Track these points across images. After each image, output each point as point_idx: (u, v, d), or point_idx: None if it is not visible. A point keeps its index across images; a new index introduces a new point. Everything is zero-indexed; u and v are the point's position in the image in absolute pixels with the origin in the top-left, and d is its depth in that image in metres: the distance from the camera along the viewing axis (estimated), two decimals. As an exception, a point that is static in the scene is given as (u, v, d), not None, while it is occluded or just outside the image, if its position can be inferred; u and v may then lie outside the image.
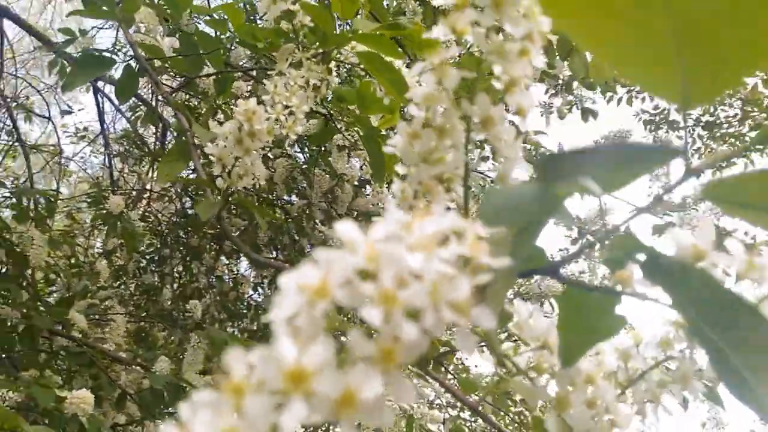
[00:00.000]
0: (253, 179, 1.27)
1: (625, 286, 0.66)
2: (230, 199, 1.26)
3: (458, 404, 2.91)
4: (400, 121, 0.80)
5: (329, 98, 1.71)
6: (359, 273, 0.46)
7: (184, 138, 1.46)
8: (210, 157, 1.18)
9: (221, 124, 1.25)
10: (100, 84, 2.83)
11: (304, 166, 2.62)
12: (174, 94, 1.51)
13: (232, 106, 1.61)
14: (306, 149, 2.74)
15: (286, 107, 1.17)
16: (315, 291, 0.44)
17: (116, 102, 2.95)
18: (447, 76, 0.70)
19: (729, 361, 0.52)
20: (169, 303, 2.88)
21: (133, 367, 2.15)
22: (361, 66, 1.29)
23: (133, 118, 2.85)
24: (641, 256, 0.59)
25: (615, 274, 0.66)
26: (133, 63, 1.64)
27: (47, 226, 2.44)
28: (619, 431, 0.71)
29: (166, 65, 1.82)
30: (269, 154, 2.57)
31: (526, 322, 0.75)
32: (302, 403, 0.39)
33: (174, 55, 1.73)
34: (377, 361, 0.42)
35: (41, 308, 2.19)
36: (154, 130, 2.94)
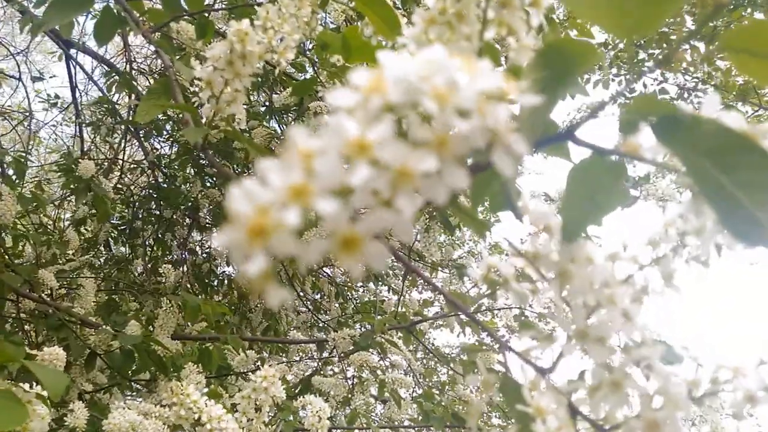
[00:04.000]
0: (237, 116, 1.28)
1: (635, 154, 0.70)
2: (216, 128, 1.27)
3: (427, 382, 2.94)
4: (416, 11, 0.82)
5: (312, 47, 1.73)
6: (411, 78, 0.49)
7: (166, 74, 1.46)
8: (198, 81, 1.19)
9: (204, 59, 1.25)
10: (72, 52, 2.80)
11: (282, 137, 2.62)
12: (155, 33, 1.50)
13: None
14: (283, 121, 2.75)
15: (277, 34, 1.18)
16: (370, 88, 0.47)
17: (88, 71, 2.93)
18: (467, -41, 0.73)
19: (739, 205, 0.56)
20: (140, 276, 2.84)
21: (103, 327, 2.11)
22: (351, 5, 1.31)
23: (106, 85, 2.81)
24: (654, 118, 0.63)
25: (625, 142, 0.70)
26: (112, 5, 1.63)
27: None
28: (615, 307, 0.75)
29: (144, 18, 1.81)
30: (246, 126, 2.56)
31: (529, 204, 0.79)
32: (367, 167, 0.41)
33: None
34: (432, 146, 0.45)
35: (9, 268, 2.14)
36: (127, 100, 2.90)
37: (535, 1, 0.75)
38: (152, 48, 2.26)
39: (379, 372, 2.44)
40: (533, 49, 0.78)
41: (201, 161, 2.72)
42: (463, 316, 2.35)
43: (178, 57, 2.14)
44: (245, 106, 2.66)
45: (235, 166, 2.73)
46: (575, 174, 0.72)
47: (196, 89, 1.28)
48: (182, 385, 1.39)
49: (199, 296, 2.66)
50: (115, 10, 1.66)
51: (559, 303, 0.74)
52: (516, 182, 0.64)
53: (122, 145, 2.95)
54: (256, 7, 1.24)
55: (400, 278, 3.41)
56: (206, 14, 1.81)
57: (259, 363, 2.56)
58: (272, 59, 1.24)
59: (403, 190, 0.43)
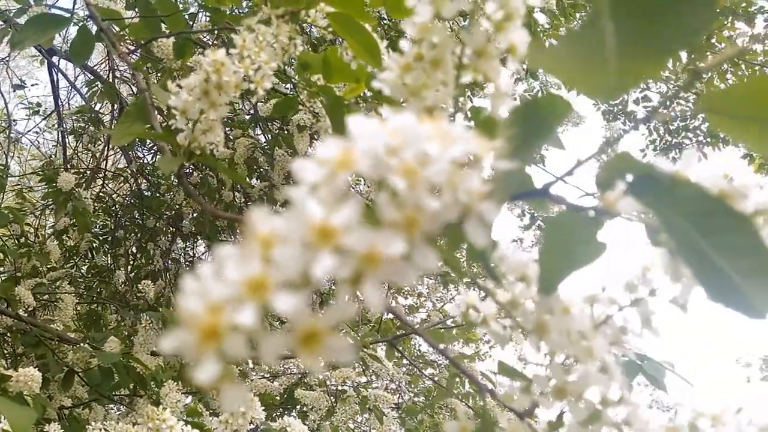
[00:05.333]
0: (214, 140, 1.26)
1: (611, 210, 0.69)
2: (192, 156, 1.25)
3: (413, 389, 2.93)
4: (390, 56, 0.81)
5: (293, 66, 1.71)
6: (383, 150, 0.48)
7: (141, 98, 1.44)
8: (173, 110, 1.17)
9: (180, 87, 1.23)
10: (54, 59, 2.76)
11: (266, 147, 2.60)
12: (130, 55, 1.48)
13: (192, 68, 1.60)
14: (268, 129, 2.72)
15: (254, 63, 1.17)
16: (338, 163, 0.46)
17: (71, 78, 2.88)
18: (444, 5, 0.72)
19: (718, 269, 0.55)
20: (122, 285, 2.80)
21: (82, 345, 2.08)
22: (330, 30, 1.29)
23: (88, 93, 2.78)
24: (631, 177, 0.62)
25: (603, 197, 0.69)
26: (88, 24, 1.61)
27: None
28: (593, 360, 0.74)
29: (123, 32, 1.79)
30: (230, 135, 2.54)
31: (506, 254, 0.78)
32: (330, 256, 0.39)
33: (129, 17, 1.69)
34: (401, 227, 0.43)
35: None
36: (110, 108, 2.87)
37: (511, 49, 0.74)
38: (137, 56, 2.24)
39: (361, 388, 2.43)
40: (509, 100, 0.77)
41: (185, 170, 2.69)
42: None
43: (160, 67, 2.12)
44: (230, 115, 2.63)
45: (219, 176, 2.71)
46: (552, 226, 0.71)
47: (172, 115, 1.26)
48: (159, 410, 1.37)
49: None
50: (92, 29, 1.64)
51: (537, 356, 0.74)
52: (490, 237, 0.63)
53: (105, 153, 2.91)
54: (233, 35, 1.23)
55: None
56: (186, 35, 1.78)
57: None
58: (249, 88, 1.22)
59: (369, 276, 0.41)
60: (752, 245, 0.56)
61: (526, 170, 0.66)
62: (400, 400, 2.92)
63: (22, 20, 2.34)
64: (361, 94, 1.83)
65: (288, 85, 2.42)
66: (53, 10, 1.89)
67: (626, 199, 0.71)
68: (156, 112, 1.49)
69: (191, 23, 1.91)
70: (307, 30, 2.77)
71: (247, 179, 2.57)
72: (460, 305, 0.93)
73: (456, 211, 0.49)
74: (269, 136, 2.77)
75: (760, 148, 0.58)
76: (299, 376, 2.99)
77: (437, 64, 0.75)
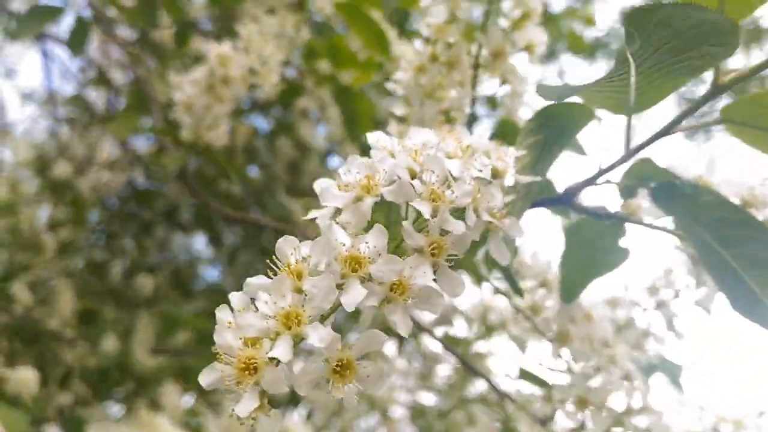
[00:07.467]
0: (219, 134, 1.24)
1: (633, 216, 0.68)
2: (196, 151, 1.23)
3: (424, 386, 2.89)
4: (404, 57, 0.79)
5: (299, 53, 1.68)
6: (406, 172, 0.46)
7: (141, 90, 1.41)
8: (176, 105, 1.14)
9: (184, 80, 1.21)
10: (47, 46, 2.71)
11: (268, 134, 2.55)
12: (128, 45, 1.45)
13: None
14: (269, 114, 2.66)
15: (260, 56, 1.14)
16: (362, 187, 0.44)
17: (64, 64, 2.83)
18: (459, 6, 0.70)
19: (738, 279, 0.54)
20: (118, 280, 2.77)
21: (78, 342, 2.07)
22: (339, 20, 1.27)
23: (83, 81, 2.72)
24: (654, 183, 0.61)
25: (624, 204, 0.67)
26: (85, 13, 1.58)
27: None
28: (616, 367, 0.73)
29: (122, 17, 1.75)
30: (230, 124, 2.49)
31: (527, 259, 0.76)
32: (360, 286, 0.38)
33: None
34: (427, 253, 0.42)
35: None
36: (105, 96, 2.82)
37: (529, 47, 0.73)
38: (132, 38, 2.18)
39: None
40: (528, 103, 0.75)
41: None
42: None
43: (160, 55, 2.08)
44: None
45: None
46: (573, 233, 0.70)
47: (173, 108, 1.24)
48: (155, 417, 1.37)
49: (180, 303, 2.62)
50: (88, 18, 1.61)
51: (558, 364, 0.72)
52: (511, 244, 0.62)
53: (99, 141, 2.86)
54: (237, 26, 1.20)
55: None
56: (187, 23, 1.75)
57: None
58: (256, 82, 1.20)
59: (397, 305, 0.40)
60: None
61: (546, 177, 0.65)
62: (414, 399, 2.87)
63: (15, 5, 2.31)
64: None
65: (289, 70, 2.37)
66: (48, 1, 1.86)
67: (649, 207, 0.70)
68: (156, 103, 1.47)
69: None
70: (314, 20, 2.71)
71: (246, 168, 2.54)
72: (477, 307, 0.92)
73: (479, 232, 0.48)
74: (269, 119, 2.71)
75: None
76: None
77: (453, 65, 0.73)
